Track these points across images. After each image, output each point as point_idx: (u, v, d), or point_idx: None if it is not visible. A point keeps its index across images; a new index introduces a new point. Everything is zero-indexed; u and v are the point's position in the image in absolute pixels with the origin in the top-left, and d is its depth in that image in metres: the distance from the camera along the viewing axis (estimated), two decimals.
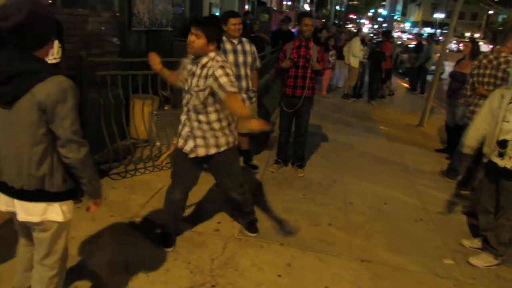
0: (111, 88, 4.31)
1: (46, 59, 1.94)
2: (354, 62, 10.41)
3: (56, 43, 3.37)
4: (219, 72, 2.78)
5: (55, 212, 2.00)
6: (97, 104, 4.23)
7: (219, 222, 3.73)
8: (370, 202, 4.53)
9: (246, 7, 15.38)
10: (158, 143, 4.93)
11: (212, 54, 2.87)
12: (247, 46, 4.55)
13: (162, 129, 4.92)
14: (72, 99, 1.84)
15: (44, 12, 1.82)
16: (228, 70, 2.80)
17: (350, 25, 44.68)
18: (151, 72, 4.60)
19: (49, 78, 1.79)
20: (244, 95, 4.55)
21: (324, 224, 3.93)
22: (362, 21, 70.56)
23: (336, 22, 38.63)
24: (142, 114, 4.83)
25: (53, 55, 3.35)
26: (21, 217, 1.98)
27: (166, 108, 5.24)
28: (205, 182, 4.08)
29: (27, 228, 2.14)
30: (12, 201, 1.97)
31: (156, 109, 5.21)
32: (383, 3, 73.90)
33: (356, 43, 10.37)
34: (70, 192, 2.03)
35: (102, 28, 5.57)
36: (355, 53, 10.33)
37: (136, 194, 4.10)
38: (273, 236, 3.60)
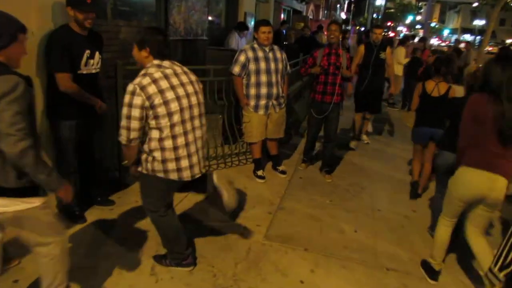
0: None
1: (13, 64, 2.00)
2: (398, 70, 10.12)
3: (97, 55, 3.44)
4: None
5: (20, 204, 2.05)
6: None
7: (244, 227, 3.68)
8: (398, 210, 4.37)
9: (282, 16, 15.33)
10: None
11: None
12: (278, 53, 4.55)
13: None
14: (16, 94, 1.86)
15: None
16: None
17: (388, 33, 43.83)
18: None
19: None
20: (274, 101, 4.53)
21: (349, 230, 3.82)
22: (399, 28, 69.09)
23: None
24: None
25: (93, 65, 3.41)
26: None
27: None
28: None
29: None
30: None
31: None
32: (420, 11, 72.13)
33: (401, 51, 10.17)
34: (29, 189, 2.05)
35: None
36: (400, 61, 10.08)
37: None
38: (298, 242, 3.52)
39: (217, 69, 4.77)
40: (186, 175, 2.66)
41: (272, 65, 4.44)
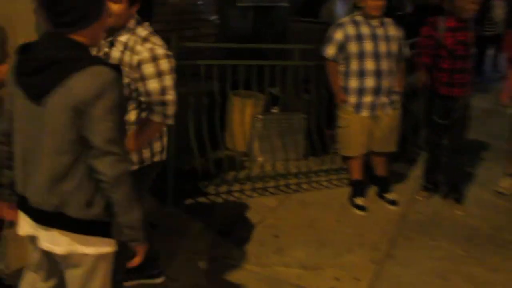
0: (204, 81, 4.36)
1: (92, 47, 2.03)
2: None
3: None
4: None
5: (86, 242, 2.01)
6: (185, 103, 4.28)
7: (336, 279, 3.58)
8: None
9: None
10: (260, 158, 4.91)
11: None
12: (391, 30, 4.41)
13: (266, 139, 4.88)
14: (114, 97, 1.85)
15: None
16: None
17: None
18: (257, 63, 4.68)
19: (87, 68, 1.82)
20: (385, 99, 4.39)
21: None
22: None
23: None
24: (242, 118, 4.82)
25: None
26: (43, 244, 2.01)
27: (273, 111, 5.21)
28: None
29: (50, 261, 2.16)
30: (34, 226, 2.02)
31: (261, 111, 5.21)
32: None
33: None
34: (100, 225, 2.01)
35: (199, 2, 5.69)
36: None
37: None
38: None
39: (303, 50, 4.70)
40: None
41: (383, 46, 4.32)
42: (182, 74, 4.19)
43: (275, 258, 3.77)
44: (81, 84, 1.80)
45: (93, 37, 1.96)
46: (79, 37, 1.88)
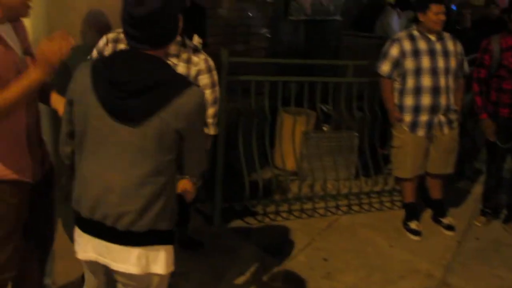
0: (255, 97, 4.38)
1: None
2: None
3: (196, 39, 3.41)
4: None
5: (159, 261, 2.07)
6: (235, 119, 4.34)
7: None
8: None
9: None
10: (309, 178, 4.88)
11: None
12: (450, 44, 4.33)
13: (317, 158, 4.86)
14: (205, 113, 2.12)
15: (171, 5, 1.93)
16: None
17: None
18: (309, 79, 4.64)
19: (187, 90, 1.90)
20: (442, 118, 4.30)
21: None
22: None
23: None
24: (292, 135, 4.82)
25: None
26: (117, 266, 2.03)
27: (324, 128, 5.17)
28: None
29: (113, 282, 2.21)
30: (105, 246, 2.02)
31: (312, 129, 5.21)
32: None
33: None
34: (172, 234, 2.13)
35: (250, 15, 5.70)
36: None
37: None
38: None
39: (357, 66, 4.68)
40: None
41: (441, 62, 4.24)
42: (232, 89, 4.22)
43: (324, 283, 3.74)
44: (187, 106, 1.88)
45: (167, 53, 2.13)
46: (158, 54, 1.94)
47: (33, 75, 2.06)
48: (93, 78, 1.89)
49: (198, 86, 2.11)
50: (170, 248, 2.11)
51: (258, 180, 4.52)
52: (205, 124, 2.10)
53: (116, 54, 2.00)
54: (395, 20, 7.65)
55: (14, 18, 2.29)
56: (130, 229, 1.95)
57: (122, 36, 2.47)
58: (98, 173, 1.95)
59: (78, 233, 2.08)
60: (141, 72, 1.86)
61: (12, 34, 2.29)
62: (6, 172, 2.29)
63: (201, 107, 1.97)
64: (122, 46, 2.63)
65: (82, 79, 1.92)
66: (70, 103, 1.97)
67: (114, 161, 1.93)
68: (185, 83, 1.94)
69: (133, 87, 1.84)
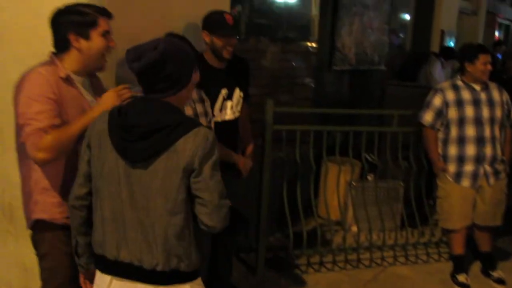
0: (299, 146, 4.41)
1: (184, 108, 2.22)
2: None
3: (238, 93, 3.51)
4: None
5: None
6: (279, 168, 4.36)
7: None
8: None
9: (497, 34, 14.63)
10: (354, 228, 4.85)
11: None
12: (496, 94, 4.32)
13: (361, 208, 4.85)
14: (216, 155, 2.04)
15: (180, 51, 2.08)
16: None
17: None
18: (354, 129, 4.68)
19: (192, 130, 1.99)
20: (488, 168, 4.25)
21: None
22: None
23: None
24: (337, 185, 4.81)
25: (232, 108, 3.48)
26: None
27: (369, 178, 5.15)
28: None
29: None
30: (131, 287, 2.07)
31: (356, 179, 5.17)
32: None
33: None
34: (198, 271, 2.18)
35: (294, 65, 5.82)
36: None
37: None
38: None
39: (402, 115, 4.69)
40: None
41: (486, 112, 4.22)
42: (277, 138, 4.29)
43: None
44: (190, 145, 1.96)
45: (182, 100, 2.15)
46: (172, 101, 2.05)
47: (90, 113, 2.30)
48: (109, 124, 2.03)
49: (210, 128, 2.13)
50: (197, 282, 2.16)
51: (302, 229, 4.51)
52: (217, 169, 2.03)
53: (132, 101, 2.12)
54: (438, 69, 7.64)
55: (92, 70, 2.55)
56: (155, 269, 2.02)
57: None
58: (118, 213, 2.03)
59: (100, 277, 2.14)
60: (150, 116, 1.98)
61: (88, 88, 2.54)
62: (59, 215, 2.42)
63: (207, 146, 1.98)
64: None
65: (100, 125, 2.06)
66: (88, 147, 2.10)
67: (131, 201, 2.01)
68: (193, 124, 2.02)
69: (141, 130, 1.96)
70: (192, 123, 2.05)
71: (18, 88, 2.33)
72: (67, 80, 2.40)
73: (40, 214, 2.44)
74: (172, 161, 1.96)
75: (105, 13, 2.45)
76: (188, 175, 1.98)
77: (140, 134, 1.97)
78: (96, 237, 2.12)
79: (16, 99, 2.32)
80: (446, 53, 7.82)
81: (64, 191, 2.38)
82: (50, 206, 2.43)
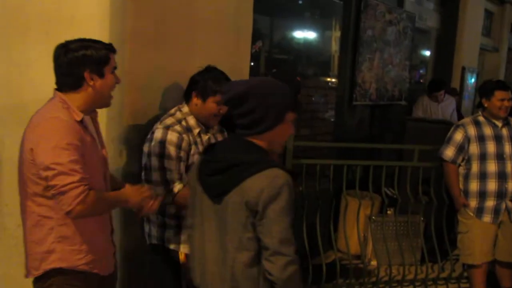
0: (319, 180, 4.45)
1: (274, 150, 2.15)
2: None
3: None
4: None
5: None
6: (299, 202, 4.37)
7: None
8: None
9: None
10: (373, 262, 4.85)
11: None
12: None
13: (381, 242, 4.85)
14: (288, 199, 1.95)
15: (270, 89, 2.06)
16: None
17: None
18: (374, 163, 4.73)
19: (264, 171, 1.95)
20: (510, 204, 4.22)
21: None
22: None
23: None
24: (356, 219, 4.83)
25: None
26: None
27: (389, 213, 5.15)
28: None
29: None
30: None
31: (376, 213, 5.18)
32: None
33: None
34: None
35: (313, 100, 5.91)
36: None
37: None
38: None
39: (424, 150, 4.71)
40: None
41: (508, 147, 4.23)
42: (298, 172, 4.34)
43: None
44: (257, 185, 1.92)
45: (271, 143, 2.09)
46: (258, 141, 2.05)
47: (122, 196, 2.42)
48: (200, 159, 2.17)
49: (291, 172, 2.02)
50: None
51: (322, 263, 4.51)
52: (285, 214, 1.94)
53: (222, 139, 2.24)
54: (451, 105, 7.60)
55: (98, 108, 2.45)
56: None
57: None
58: (201, 243, 2.13)
59: None
60: (230, 153, 2.03)
61: (91, 125, 2.45)
62: (79, 262, 2.31)
63: (274, 189, 1.91)
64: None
65: (197, 160, 2.20)
66: (188, 183, 2.23)
67: (210, 234, 2.09)
68: (267, 164, 1.96)
69: (218, 165, 2.02)
70: (268, 163, 1.99)
71: (35, 134, 2.19)
72: (81, 123, 2.29)
73: (57, 263, 2.28)
74: (239, 198, 1.96)
75: (113, 49, 2.35)
76: (253, 215, 1.95)
77: (217, 169, 2.03)
78: (191, 262, 2.26)
79: (36, 146, 2.15)
80: (432, 86, 7.30)
81: (86, 239, 2.32)
82: (69, 254, 2.29)
